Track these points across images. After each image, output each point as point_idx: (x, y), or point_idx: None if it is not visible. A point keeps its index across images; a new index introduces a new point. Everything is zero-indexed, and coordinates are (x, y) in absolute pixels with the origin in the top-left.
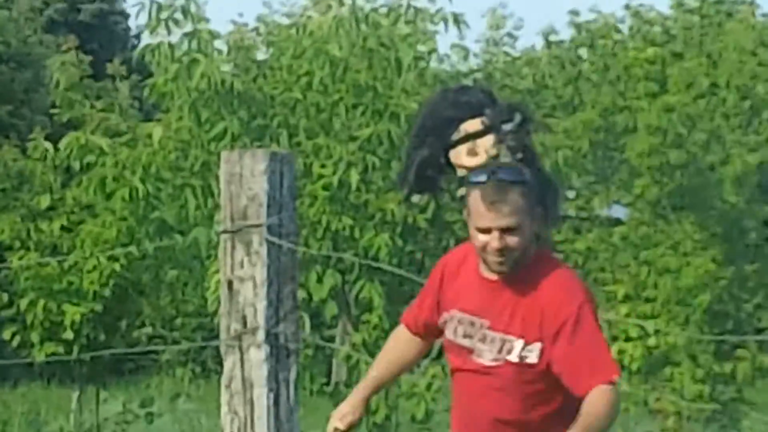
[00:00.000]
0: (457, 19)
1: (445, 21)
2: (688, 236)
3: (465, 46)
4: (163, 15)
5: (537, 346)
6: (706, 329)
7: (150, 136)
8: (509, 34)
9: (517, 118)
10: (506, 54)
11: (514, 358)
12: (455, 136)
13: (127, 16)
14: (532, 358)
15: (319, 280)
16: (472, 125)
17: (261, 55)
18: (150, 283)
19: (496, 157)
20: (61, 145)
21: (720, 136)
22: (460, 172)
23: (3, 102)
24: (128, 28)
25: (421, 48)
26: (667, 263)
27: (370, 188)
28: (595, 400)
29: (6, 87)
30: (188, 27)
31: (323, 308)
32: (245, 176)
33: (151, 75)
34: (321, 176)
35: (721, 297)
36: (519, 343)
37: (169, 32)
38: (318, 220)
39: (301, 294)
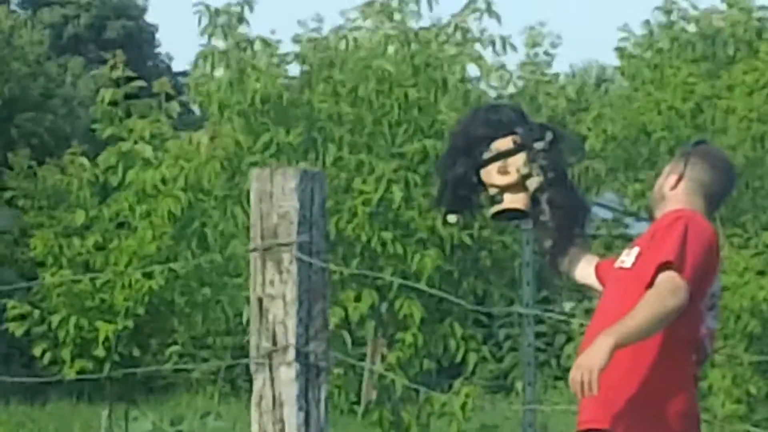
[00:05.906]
0: (505, 42)
1: (493, 43)
2: (741, 247)
3: (507, 69)
4: (220, 21)
5: (635, 251)
6: (749, 349)
7: (195, 144)
8: (546, 53)
9: (549, 136)
10: (543, 74)
11: (618, 263)
12: (486, 155)
13: (153, 32)
14: (628, 262)
15: (357, 299)
16: (504, 144)
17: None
18: (182, 301)
19: (528, 176)
20: (100, 159)
21: None
22: (491, 191)
23: (43, 114)
24: (156, 46)
25: (470, 70)
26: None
27: (411, 205)
28: (644, 298)
29: (39, 105)
30: (242, 35)
31: (361, 327)
32: (276, 194)
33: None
34: (362, 192)
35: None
36: (631, 251)
37: (226, 38)
38: (357, 236)
39: (339, 312)
